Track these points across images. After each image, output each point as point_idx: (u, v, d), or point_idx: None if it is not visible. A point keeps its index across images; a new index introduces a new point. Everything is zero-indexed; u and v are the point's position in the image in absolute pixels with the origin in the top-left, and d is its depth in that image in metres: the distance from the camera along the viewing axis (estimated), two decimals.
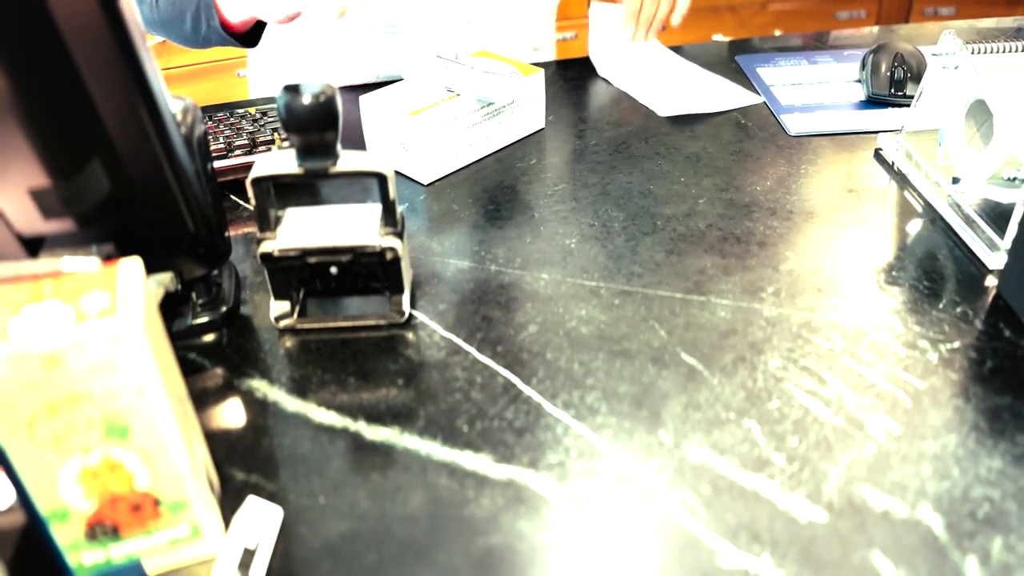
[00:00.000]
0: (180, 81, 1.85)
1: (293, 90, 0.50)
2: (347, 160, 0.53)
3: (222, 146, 0.75)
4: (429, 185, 0.74)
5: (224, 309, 0.59)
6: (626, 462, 0.47)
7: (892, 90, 0.83)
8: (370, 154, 0.54)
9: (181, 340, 0.58)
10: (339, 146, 0.53)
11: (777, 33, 2.03)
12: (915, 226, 0.67)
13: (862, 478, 0.46)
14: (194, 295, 0.59)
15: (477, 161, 0.78)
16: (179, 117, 0.54)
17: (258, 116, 0.80)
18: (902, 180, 0.73)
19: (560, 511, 0.45)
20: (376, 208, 0.57)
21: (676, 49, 1.00)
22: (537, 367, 0.54)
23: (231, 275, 0.62)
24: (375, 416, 0.51)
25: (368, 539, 0.44)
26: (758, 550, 0.42)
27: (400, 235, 0.56)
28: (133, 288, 0.37)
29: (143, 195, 0.49)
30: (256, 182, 0.53)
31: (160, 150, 0.47)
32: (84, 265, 0.42)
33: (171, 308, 0.59)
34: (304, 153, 0.52)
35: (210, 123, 0.79)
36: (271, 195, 0.56)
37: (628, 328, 0.57)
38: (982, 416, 0.49)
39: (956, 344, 0.55)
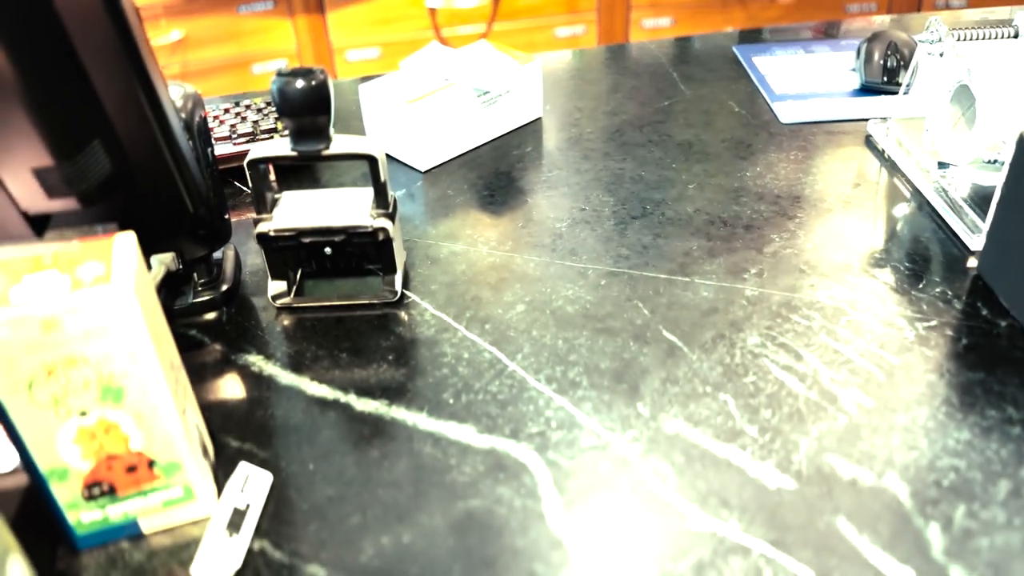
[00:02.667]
0: (197, 77, 1.89)
1: (286, 75, 0.52)
2: (340, 143, 0.55)
3: (226, 134, 0.77)
4: (426, 172, 0.76)
5: (224, 288, 0.62)
6: (603, 432, 0.49)
7: (885, 78, 0.84)
8: (362, 138, 0.56)
9: (182, 318, 0.60)
10: (332, 130, 0.55)
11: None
12: (902, 211, 0.68)
13: (832, 448, 0.47)
14: (195, 275, 0.61)
15: (474, 149, 0.80)
16: (179, 103, 0.56)
17: (262, 106, 0.83)
18: (891, 166, 0.74)
19: (538, 477, 0.46)
20: (369, 191, 0.59)
21: (685, 40, 1.01)
22: (523, 344, 0.56)
23: (232, 257, 0.65)
24: (365, 389, 0.53)
25: (353, 503, 0.46)
26: (726, 515, 0.44)
27: (392, 216, 0.58)
28: (127, 260, 0.39)
29: (143, 176, 0.51)
30: (252, 164, 0.56)
31: (159, 132, 0.49)
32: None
33: (173, 287, 0.61)
34: (298, 136, 0.54)
35: (216, 112, 0.82)
36: (268, 178, 0.58)
37: (612, 307, 0.59)
38: (954, 391, 0.51)
39: (933, 322, 0.56)
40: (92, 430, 0.41)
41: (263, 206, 0.58)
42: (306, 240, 0.57)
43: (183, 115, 0.56)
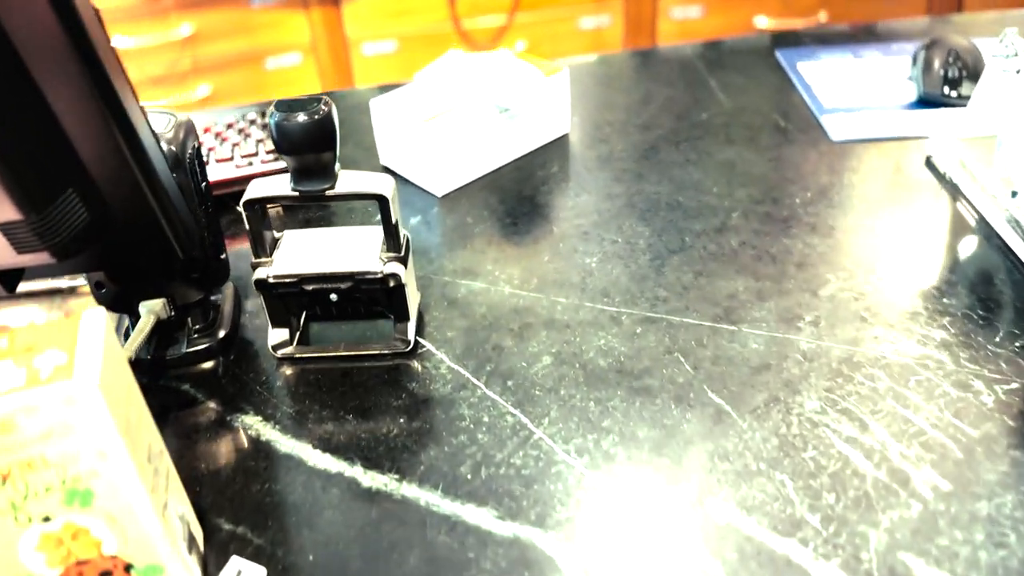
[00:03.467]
0: (208, 72, 1.83)
1: (286, 108, 0.46)
2: (346, 181, 0.49)
3: (228, 155, 0.71)
4: (443, 197, 0.70)
5: (222, 334, 0.56)
6: (643, 521, 0.43)
7: (946, 90, 0.76)
8: (371, 175, 0.50)
9: (175, 368, 0.55)
10: (337, 166, 0.49)
11: (823, 17, 1.94)
12: (969, 245, 0.61)
13: (906, 544, 0.41)
14: (190, 320, 0.56)
15: (496, 170, 0.73)
16: (170, 134, 0.51)
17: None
18: (955, 191, 0.67)
19: (569, 575, 0.41)
20: (379, 230, 0.53)
21: (715, 44, 0.94)
22: (550, 406, 0.50)
23: (232, 296, 0.59)
24: (373, 460, 0.47)
25: None
26: None
27: (404, 260, 0.52)
28: (93, 343, 0.34)
29: (125, 223, 0.45)
30: (249, 205, 0.50)
31: (140, 176, 0.43)
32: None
33: (166, 333, 0.56)
34: (299, 175, 0.48)
35: (218, 128, 0.76)
36: (267, 217, 0.52)
37: (650, 361, 0.52)
38: None
39: (1014, 385, 0.49)
40: (58, 536, 0.35)
41: (262, 248, 0.52)
42: (309, 287, 0.52)
43: (173, 147, 0.50)
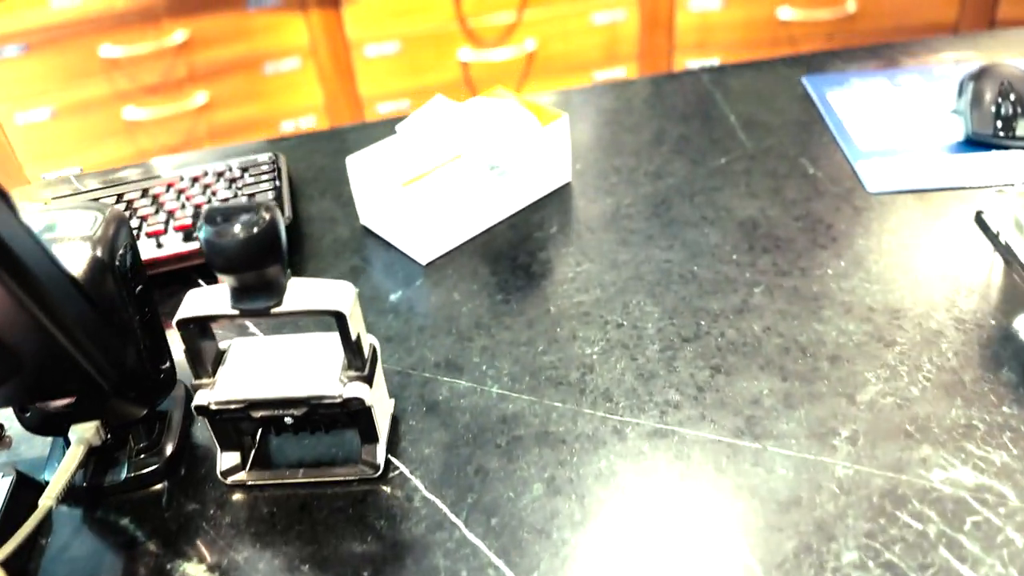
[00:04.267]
0: (205, 79, 1.76)
1: (218, 219, 0.39)
2: (295, 297, 0.42)
3: (188, 219, 0.64)
4: (429, 265, 0.63)
5: (169, 451, 0.49)
6: None
7: (1000, 129, 0.67)
8: (327, 285, 0.42)
9: (115, 496, 0.48)
10: (285, 278, 0.42)
11: (850, 7, 1.81)
12: None
13: None
14: (131, 438, 0.49)
15: (488, 229, 0.66)
16: (97, 233, 0.44)
17: (238, 173, 0.69)
18: (1013, 260, 0.58)
19: None
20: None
21: (735, 69, 0.85)
22: (540, 555, 0.42)
23: (182, 401, 0.52)
24: None
25: None
26: None
27: (369, 378, 0.44)
28: None
29: (35, 365, 0.38)
30: (183, 324, 0.43)
31: (42, 317, 0.36)
32: None
33: (105, 456, 0.49)
34: (240, 293, 0.41)
35: (183, 185, 0.69)
36: (207, 330, 0.45)
37: (658, 490, 0.45)
38: None
39: None
40: None
41: (202, 368, 0.45)
42: (258, 414, 0.44)
43: (99, 250, 0.43)
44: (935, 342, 0.52)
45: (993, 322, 0.53)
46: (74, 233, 0.43)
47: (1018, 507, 0.42)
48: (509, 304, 0.58)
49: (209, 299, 0.42)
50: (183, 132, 1.82)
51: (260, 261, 0.39)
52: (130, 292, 0.45)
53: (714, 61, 1.87)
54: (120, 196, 0.69)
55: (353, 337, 0.43)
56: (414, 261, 0.63)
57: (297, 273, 0.63)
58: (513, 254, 0.63)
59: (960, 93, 0.72)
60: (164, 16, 1.67)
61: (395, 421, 0.50)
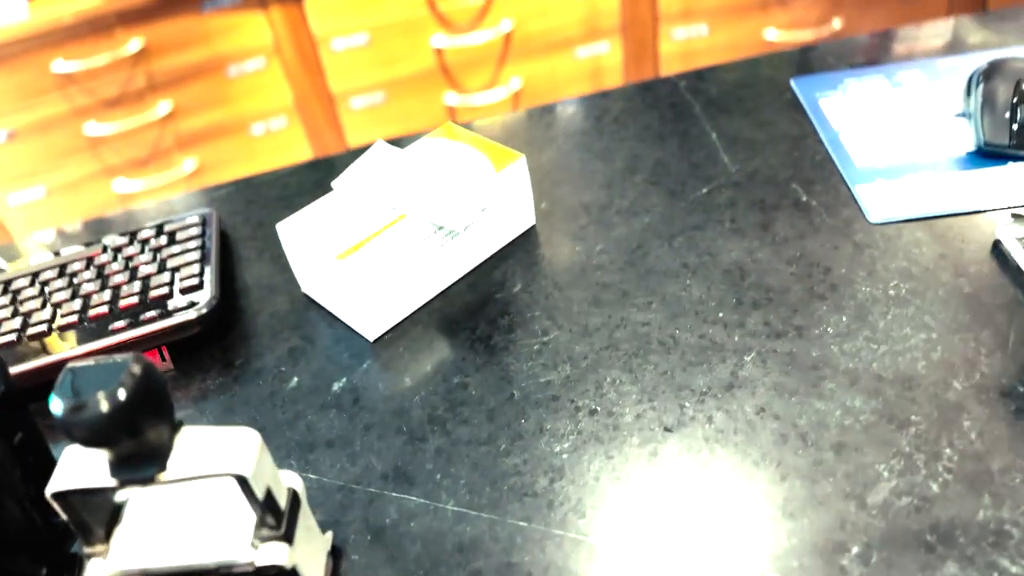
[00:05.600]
0: (167, 88, 1.67)
1: (71, 390, 0.32)
2: (186, 459, 0.35)
3: (105, 306, 0.57)
4: (377, 340, 0.56)
5: None
6: None
7: (1015, 139, 0.59)
8: (226, 434, 0.35)
9: None
10: (172, 438, 0.35)
11: (836, 24, 1.72)
12: None
13: None
14: None
15: (443, 292, 0.58)
16: None
17: (165, 241, 0.62)
18: None
19: None
20: None
21: (715, 73, 0.76)
22: None
23: None
24: None
25: None
26: None
27: (289, 537, 0.38)
28: None
29: None
30: (59, 497, 0.36)
31: None
32: None
33: None
34: (117, 464, 0.34)
35: (76, 266, 0.61)
36: (92, 489, 0.38)
37: None
38: None
39: None
40: None
41: (92, 533, 0.38)
42: None
43: None
44: (955, 419, 0.45)
45: (1022, 388, 0.46)
46: None
47: None
48: (467, 389, 0.51)
49: (84, 469, 0.35)
50: (149, 144, 1.74)
51: (132, 429, 0.32)
52: (7, 444, 0.38)
53: (701, 29, 1.77)
54: (35, 276, 0.62)
55: (261, 497, 0.36)
56: (361, 337, 0.56)
57: (228, 357, 0.56)
58: (471, 323, 0.56)
59: (968, 92, 0.64)
60: (116, 25, 1.57)
61: (335, 553, 0.44)
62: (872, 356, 0.49)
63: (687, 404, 0.48)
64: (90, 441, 0.32)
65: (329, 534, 0.44)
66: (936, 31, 0.77)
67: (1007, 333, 0.49)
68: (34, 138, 1.66)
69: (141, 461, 0.34)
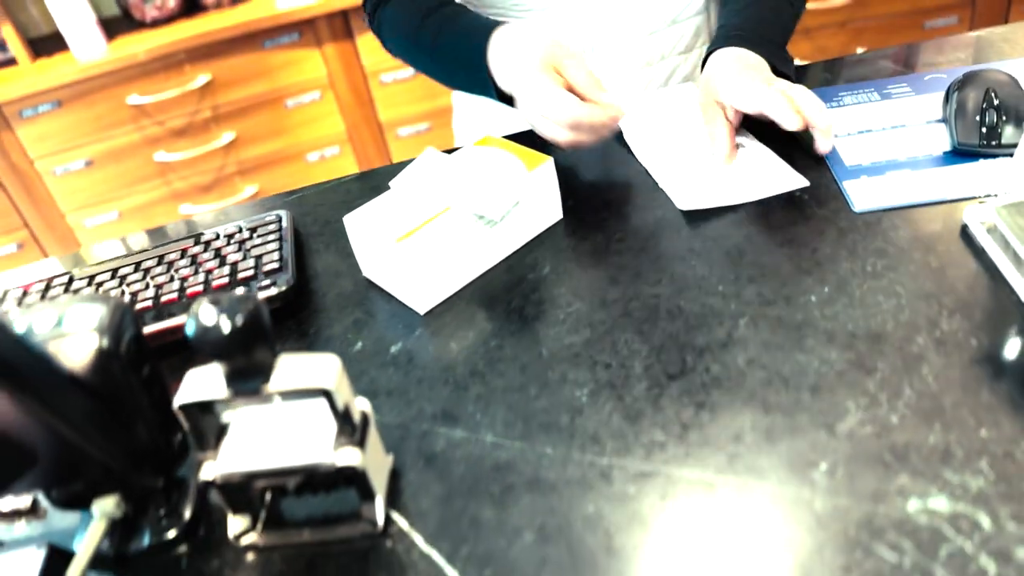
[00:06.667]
0: (230, 119, 1.81)
1: (201, 314, 0.42)
2: (284, 376, 0.45)
3: (200, 284, 0.68)
4: (427, 314, 0.65)
5: (187, 515, 0.53)
6: None
7: (984, 139, 0.68)
8: (313, 361, 0.45)
9: (141, 561, 0.51)
10: (274, 359, 0.45)
11: (860, 51, 1.81)
12: (1012, 351, 0.53)
13: None
14: (151, 507, 0.53)
15: (483, 274, 0.68)
16: (105, 321, 0.47)
17: (247, 234, 0.73)
18: (996, 274, 0.59)
19: None
20: None
21: None
22: None
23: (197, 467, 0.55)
24: None
25: None
26: None
27: (362, 442, 0.47)
28: None
29: (44, 456, 0.42)
30: (184, 409, 0.46)
31: (47, 415, 0.40)
32: None
33: (129, 525, 0.52)
34: (232, 377, 0.44)
35: (195, 249, 0.72)
36: (209, 406, 0.48)
37: (642, 533, 0.47)
38: None
39: None
40: None
41: (205, 444, 0.48)
42: (260, 484, 0.48)
43: (107, 340, 0.46)
44: (916, 367, 0.53)
45: (975, 342, 0.54)
46: (81, 326, 0.47)
47: (991, 534, 0.44)
48: (503, 349, 0.61)
49: (204, 384, 0.45)
50: (213, 171, 1.88)
51: (245, 348, 0.42)
52: (137, 375, 0.48)
53: None
54: (138, 264, 0.73)
55: (341, 409, 0.45)
56: (413, 311, 0.66)
57: (303, 327, 0.67)
58: (508, 298, 0.65)
59: (946, 100, 0.72)
60: (186, 62, 1.72)
61: (395, 475, 0.53)
62: (848, 318, 0.57)
63: (688, 358, 0.57)
64: (214, 356, 0.42)
65: (391, 456, 0.53)
66: (926, 49, 0.85)
67: (967, 299, 0.57)
68: (109, 165, 1.81)
69: (250, 376, 0.44)
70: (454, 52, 0.78)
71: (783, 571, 0.44)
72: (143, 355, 0.50)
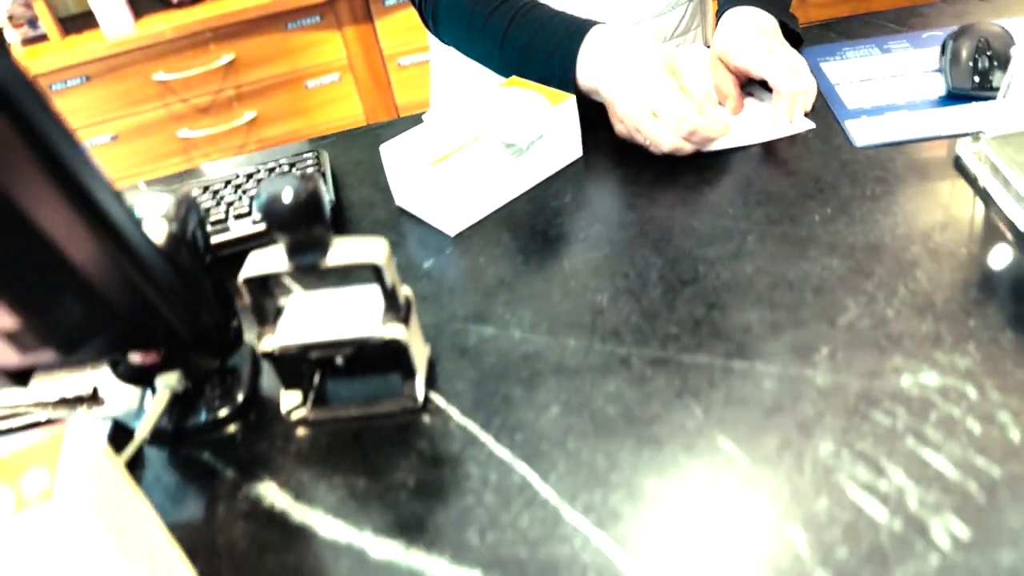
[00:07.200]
0: (252, 98, 1.87)
1: (271, 190, 0.47)
2: (339, 253, 0.49)
3: (245, 210, 0.73)
4: (457, 236, 0.70)
5: (240, 398, 0.57)
6: None
7: (976, 82, 0.73)
8: (364, 241, 0.50)
9: (197, 436, 0.56)
10: (329, 237, 0.49)
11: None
12: (1000, 258, 0.58)
13: None
14: (208, 387, 0.57)
15: (509, 203, 0.73)
16: (172, 211, 0.52)
17: (287, 170, 0.78)
18: (986, 196, 0.63)
19: None
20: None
21: None
22: (557, 459, 0.50)
23: (249, 357, 0.60)
24: (381, 527, 0.48)
25: None
26: None
27: (405, 320, 0.52)
28: (78, 459, 0.35)
29: (125, 316, 0.47)
30: (248, 281, 0.51)
31: (133, 273, 0.45)
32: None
33: (186, 403, 0.57)
34: (292, 250, 0.49)
35: (239, 180, 0.77)
36: (268, 287, 0.53)
37: (659, 406, 0.52)
38: None
39: None
40: None
41: (265, 319, 0.53)
42: (314, 355, 0.52)
43: (174, 226, 0.51)
44: (911, 271, 0.58)
45: (965, 251, 0.59)
46: (152, 213, 0.52)
47: (977, 402, 0.48)
48: (528, 264, 0.66)
49: (267, 259, 0.50)
50: (234, 148, 1.94)
51: (308, 220, 0.47)
52: (201, 262, 0.53)
53: None
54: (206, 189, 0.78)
55: (389, 285, 0.50)
56: (444, 234, 0.71)
57: None
58: (531, 222, 0.70)
59: (943, 52, 0.77)
60: (211, 41, 1.78)
61: (431, 364, 0.58)
62: (848, 233, 0.62)
63: (700, 268, 0.62)
64: (279, 225, 0.47)
65: (429, 345, 0.58)
66: (930, 11, 0.90)
67: (959, 216, 0.62)
68: (134, 140, 1.86)
69: (308, 250, 0.49)
70: (533, 45, 0.79)
71: (788, 433, 0.48)
72: (206, 245, 0.54)
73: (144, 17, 1.78)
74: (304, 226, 0.48)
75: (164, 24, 1.73)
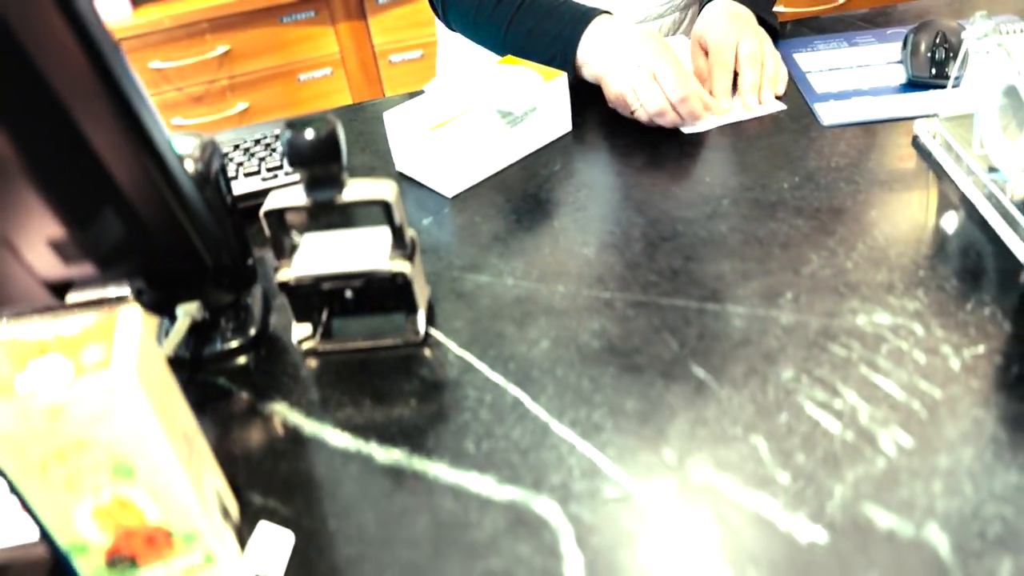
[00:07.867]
0: (245, 88, 1.91)
1: (295, 126, 0.52)
2: (353, 190, 0.54)
3: (255, 168, 0.77)
4: (454, 198, 0.75)
5: (252, 332, 0.62)
6: (627, 481, 0.47)
7: (933, 72, 0.79)
8: (376, 182, 0.55)
9: (212, 364, 0.61)
10: (345, 175, 0.54)
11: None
12: (949, 221, 0.64)
13: (868, 496, 0.45)
14: (223, 320, 0.62)
15: (502, 170, 0.78)
16: (196, 153, 0.57)
17: None
18: (939, 170, 0.70)
19: (560, 533, 0.45)
20: (389, 231, 0.58)
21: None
22: (546, 384, 0.55)
23: (260, 297, 0.65)
24: (387, 437, 0.52)
25: (373, 563, 0.45)
26: (754, 575, 0.42)
27: (410, 257, 0.57)
28: (129, 338, 0.39)
29: (158, 236, 0.51)
30: (268, 215, 0.55)
31: (169, 195, 0.49)
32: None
33: (202, 334, 0.62)
34: (311, 186, 0.54)
35: (247, 144, 0.82)
36: (285, 224, 0.58)
37: (640, 341, 0.57)
38: (1002, 427, 0.48)
39: (981, 349, 0.53)
40: (107, 507, 0.41)
41: (282, 253, 0.57)
42: (326, 286, 0.57)
43: (200, 166, 0.56)
44: (869, 231, 0.64)
45: (920, 215, 0.65)
46: (177, 152, 0.56)
47: (924, 337, 0.54)
48: (521, 222, 0.71)
49: (287, 195, 0.55)
50: None
51: (326, 157, 0.52)
52: (222, 200, 0.58)
53: None
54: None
55: (397, 223, 0.55)
56: (441, 196, 0.76)
57: None
58: (524, 187, 0.75)
59: (904, 45, 0.84)
60: (207, 31, 1.82)
61: (431, 306, 0.63)
62: (814, 199, 0.68)
63: (679, 227, 0.67)
64: (300, 160, 0.52)
65: (429, 288, 0.63)
66: (896, 10, 0.97)
67: (915, 185, 0.68)
68: None
69: (326, 185, 0.54)
70: (539, 29, 0.84)
71: (754, 362, 0.54)
72: (227, 185, 0.59)
73: (142, 6, 1.82)
74: (323, 162, 0.52)
75: (162, 13, 1.78)
